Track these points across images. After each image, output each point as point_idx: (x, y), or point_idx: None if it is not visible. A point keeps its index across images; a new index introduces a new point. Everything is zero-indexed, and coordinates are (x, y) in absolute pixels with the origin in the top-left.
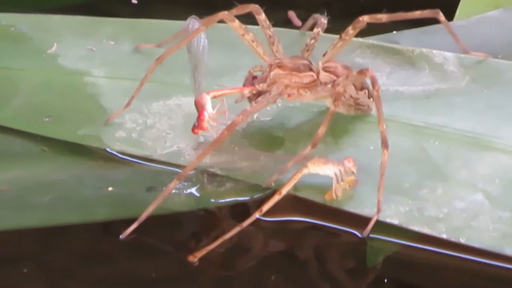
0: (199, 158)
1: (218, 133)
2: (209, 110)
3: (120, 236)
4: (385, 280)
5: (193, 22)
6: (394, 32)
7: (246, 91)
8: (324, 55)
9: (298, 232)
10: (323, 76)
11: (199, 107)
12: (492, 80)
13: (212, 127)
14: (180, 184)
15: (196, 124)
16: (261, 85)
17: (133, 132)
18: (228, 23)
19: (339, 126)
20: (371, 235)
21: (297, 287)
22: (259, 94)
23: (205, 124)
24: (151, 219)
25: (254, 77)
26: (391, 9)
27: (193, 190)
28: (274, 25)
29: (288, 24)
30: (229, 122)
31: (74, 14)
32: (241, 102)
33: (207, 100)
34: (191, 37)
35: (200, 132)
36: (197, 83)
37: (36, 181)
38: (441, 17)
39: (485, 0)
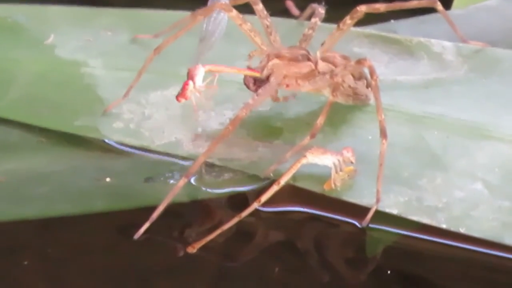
0: (205, 154)
1: (199, 105)
2: (198, 81)
3: (134, 237)
4: (385, 270)
5: None
6: (392, 21)
7: (244, 72)
8: (322, 45)
9: (297, 222)
10: (321, 66)
11: (189, 76)
12: (491, 69)
13: (196, 98)
14: (178, 175)
15: (180, 92)
16: (259, 76)
17: (131, 123)
18: (226, 12)
19: (337, 116)
20: (370, 225)
21: (296, 277)
22: (259, 85)
23: (188, 93)
24: (149, 209)
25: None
26: None
27: (191, 180)
28: (271, 15)
29: (285, 13)
30: (213, 97)
31: (71, 4)
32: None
33: (200, 72)
34: (189, 27)
35: (188, 105)
36: (199, 53)
37: (33, 172)
38: (439, 6)
39: None
